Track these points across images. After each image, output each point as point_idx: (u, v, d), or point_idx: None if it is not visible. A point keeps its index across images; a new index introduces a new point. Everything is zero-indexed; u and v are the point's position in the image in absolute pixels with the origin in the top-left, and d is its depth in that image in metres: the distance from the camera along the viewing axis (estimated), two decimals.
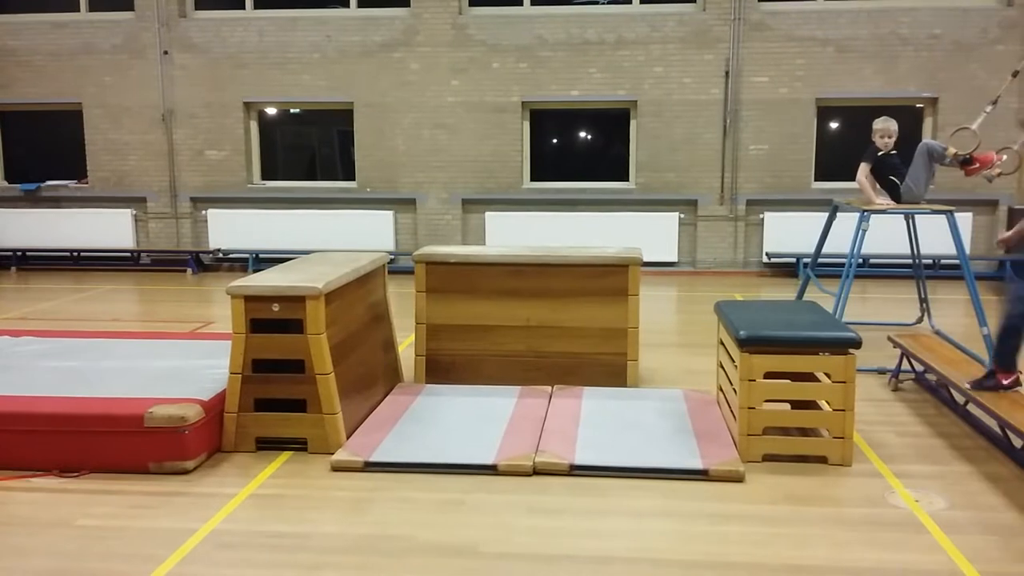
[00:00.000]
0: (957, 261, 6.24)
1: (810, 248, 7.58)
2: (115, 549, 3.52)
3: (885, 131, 6.50)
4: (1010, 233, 5.05)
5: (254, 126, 12.19)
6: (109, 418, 4.29)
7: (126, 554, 3.48)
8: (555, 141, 12.42)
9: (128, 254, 12.23)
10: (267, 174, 12.38)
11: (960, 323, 7.92)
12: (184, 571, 3.34)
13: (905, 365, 5.88)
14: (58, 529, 3.72)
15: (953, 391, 5.22)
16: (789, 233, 11.19)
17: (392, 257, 6.54)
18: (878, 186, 6.61)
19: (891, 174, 6.48)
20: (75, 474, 4.30)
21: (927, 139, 7.10)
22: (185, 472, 4.31)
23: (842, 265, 6.44)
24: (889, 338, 6.03)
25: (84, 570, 3.35)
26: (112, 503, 3.99)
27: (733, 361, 4.63)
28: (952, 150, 6.24)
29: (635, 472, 4.25)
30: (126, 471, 4.29)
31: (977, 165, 6.18)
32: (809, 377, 4.65)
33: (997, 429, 4.69)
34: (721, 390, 5.14)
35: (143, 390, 4.66)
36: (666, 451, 4.46)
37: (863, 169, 6.51)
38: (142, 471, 4.30)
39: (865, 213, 6.22)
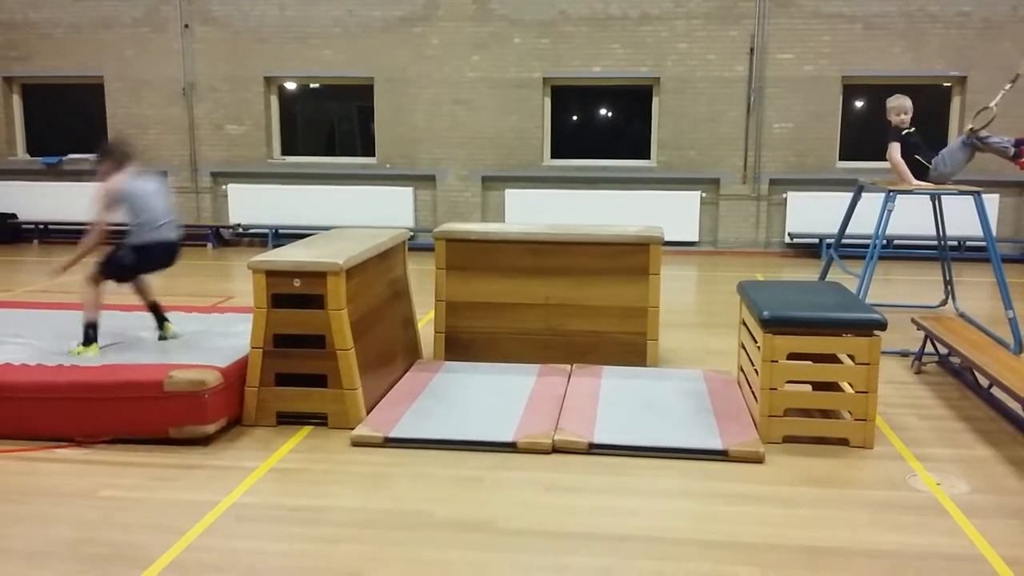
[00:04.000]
0: (983, 243, 6.15)
1: (833, 228, 7.48)
2: (137, 520, 3.56)
3: (900, 108, 6.38)
4: None
5: (274, 101, 12.19)
6: (129, 384, 4.33)
7: (148, 525, 3.51)
8: (576, 118, 12.33)
9: None
10: (287, 149, 12.39)
11: (985, 306, 7.82)
12: (205, 543, 3.37)
13: (929, 348, 5.82)
14: (81, 499, 3.77)
15: (977, 374, 5.16)
16: (812, 213, 11.08)
17: (411, 234, 6.54)
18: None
19: (914, 153, 6.37)
20: (97, 440, 4.34)
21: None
22: (205, 436, 4.34)
23: (866, 246, 6.36)
24: (913, 320, 5.97)
25: (106, 540, 3.39)
26: (134, 474, 4.02)
27: (755, 341, 4.59)
28: (969, 126, 6.15)
29: (654, 451, 4.24)
30: (146, 436, 4.34)
31: None
32: (831, 358, 4.61)
33: (1021, 413, 4.64)
34: (742, 370, 5.11)
35: (162, 358, 4.72)
36: (686, 431, 4.44)
37: (896, 148, 6.36)
38: (162, 436, 4.33)
39: (891, 193, 6.14)
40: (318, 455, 4.28)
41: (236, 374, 4.64)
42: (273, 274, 4.57)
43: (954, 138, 10.72)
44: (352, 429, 4.49)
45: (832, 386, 4.65)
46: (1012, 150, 6.05)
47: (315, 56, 11.75)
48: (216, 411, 4.42)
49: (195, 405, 4.31)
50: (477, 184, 11.76)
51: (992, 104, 6.14)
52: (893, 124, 6.40)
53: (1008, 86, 6.28)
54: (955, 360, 5.58)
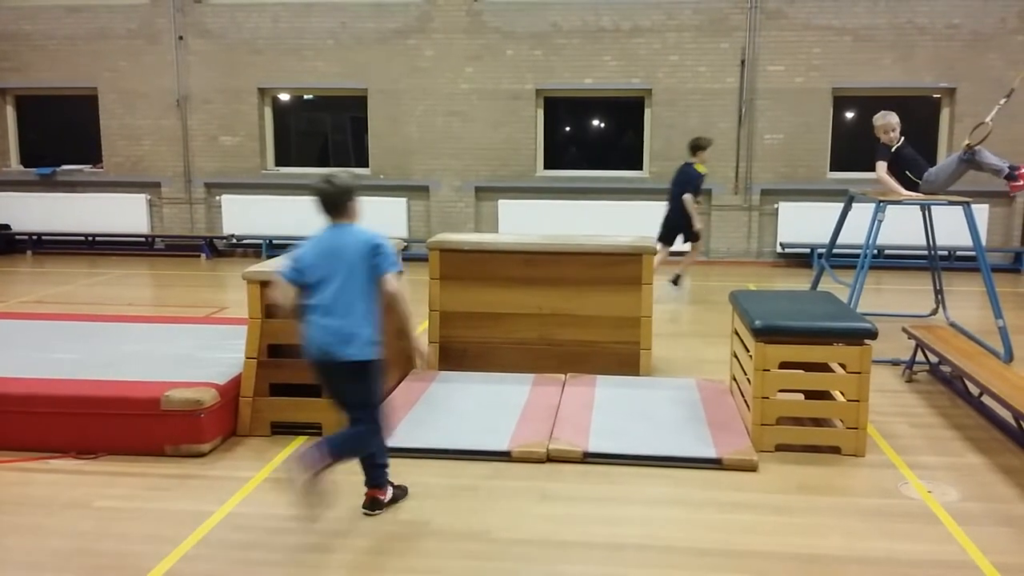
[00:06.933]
0: (973, 253, 6.20)
1: (825, 238, 7.54)
2: (132, 530, 3.56)
3: (887, 126, 6.42)
4: None
5: (268, 112, 12.21)
6: (126, 401, 4.34)
7: (143, 535, 3.52)
8: (569, 129, 12.39)
9: (142, 239, 12.29)
10: (281, 160, 12.40)
11: (975, 315, 7.87)
12: (200, 553, 3.37)
13: (920, 356, 5.87)
14: (76, 510, 3.77)
15: (967, 383, 5.21)
16: (804, 223, 11.13)
17: (405, 244, 6.56)
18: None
19: (907, 167, 6.42)
20: (93, 456, 4.34)
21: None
22: (201, 455, 4.35)
23: (857, 256, 6.41)
24: (904, 329, 6.01)
25: (101, 550, 3.39)
26: (129, 485, 4.03)
27: (748, 351, 4.63)
28: (965, 142, 6.18)
29: (648, 460, 4.26)
30: (143, 453, 4.33)
31: (1022, 183, 6.12)
32: (823, 367, 4.64)
33: (1011, 421, 4.67)
34: (734, 379, 5.14)
35: (159, 374, 4.70)
36: (679, 440, 4.47)
37: (883, 166, 6.42)
38: (158, 453, 4.34)
39: (881, 204, 6.19)
40: None
41: (234, 391, 4.64)
42: (268, 284, 4.58)
43: (944, 149, 10.88)
44: None
45: (824, 395, 4.67)
46: (1006, 170, 6.12)
47: (309, 68, 11.79)
48: (213, 430, 4.43)
49: (192, 424, 4.32)
50: (470, 195, 11.79)
51: (988, 120, 6.19)
52: (882, 142, 6.45)
53: (1003, 101, 6.33)
54: (946, 369, 5.62)
